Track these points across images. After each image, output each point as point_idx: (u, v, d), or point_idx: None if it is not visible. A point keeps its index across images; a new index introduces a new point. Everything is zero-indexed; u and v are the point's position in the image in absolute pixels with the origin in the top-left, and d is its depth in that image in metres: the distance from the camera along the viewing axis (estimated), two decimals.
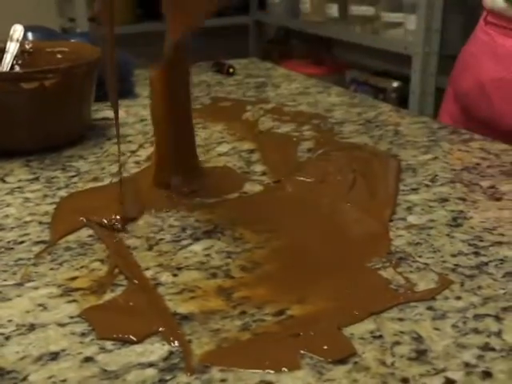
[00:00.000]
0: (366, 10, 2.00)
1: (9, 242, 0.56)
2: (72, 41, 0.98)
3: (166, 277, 0.50)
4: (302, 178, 0.68)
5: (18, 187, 0.68)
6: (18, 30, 0.88)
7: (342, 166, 0.71)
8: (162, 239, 0.56)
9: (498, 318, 0.44)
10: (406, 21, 1.82)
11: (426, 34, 1.74)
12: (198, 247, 0.55)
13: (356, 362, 0.40)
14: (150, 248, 0.55)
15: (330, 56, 2.62)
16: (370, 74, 2.26)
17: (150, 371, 0.39)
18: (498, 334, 0.43)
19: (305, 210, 0.61)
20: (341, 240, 0.56)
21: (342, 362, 0.40)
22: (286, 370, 0.39)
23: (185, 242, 0.56)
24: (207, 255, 0.53)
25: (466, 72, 0.89)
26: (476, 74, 0.80)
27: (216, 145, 0.81)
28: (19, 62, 0.86)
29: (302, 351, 0.41)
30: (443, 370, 0.39)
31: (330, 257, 0.53)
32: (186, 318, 0.45)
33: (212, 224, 0.59)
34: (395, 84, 2.09)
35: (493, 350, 0.41)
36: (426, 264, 0.51)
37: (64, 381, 0.39)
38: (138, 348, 0.42)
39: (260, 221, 0.59)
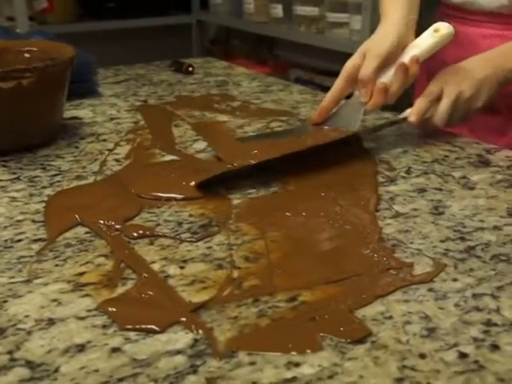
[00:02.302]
0: (311, 11, 2.04)
1: (6, 240, 0.56)
2: (34, 40, 0.97)
3: (173, 269, 0.51)
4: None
5: (1, 187, 0.67)
6: None
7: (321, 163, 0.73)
8: (160, 234, 0.57)
9: (494, 297, 0.48)
10: (351, 21, 1.88)
11: (371, 34, 1.79)
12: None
13: (374, 342, 0.42)
14: (151, 243, 0.55)
15: (272, 56, 2.66)
16: (314, 72, 2.30)
17: (180, 358, 0.40)
18: (497, 310, 0.46)
19: (293, 204, 0.63)
20: (333, 230, 0.58)
21: (360, 341, 0.42)
22: (309, 351, 0.41)
23: (184, 236, 0.57)
24: (209, 247, 0.55)
25: (431, 58, 0.95)
26: (441, 57, 0.88)
27: (191, 142, 0.82)
28: None
29: (321, 334, 0.43)
30: (455, 345, 0.42)
31: (326, 245, 0.56)
32: (201, 307, 0.46)
33: (207, 218, 0.60)
34: None
35: (495, 325, 0.44)
36: (418, 250, 0.55)
37: (96, 371, 0.39)
38: (162, 337, 0.42)
39: (254, 214, 0.61)
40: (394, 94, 0.78)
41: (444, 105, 0.78)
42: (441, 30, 0.81)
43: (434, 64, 0.96)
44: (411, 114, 0.80)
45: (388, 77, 0.79)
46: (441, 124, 0.80)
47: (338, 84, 0.80)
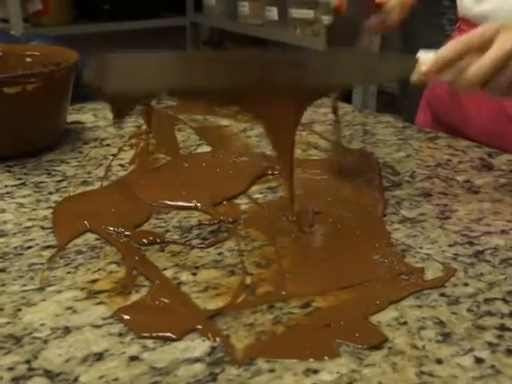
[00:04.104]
0: (306, 13, 2.05)
1: (15, 247, 0.55)
2: (34, 43, 0.97)
3: (186, 276, 0.51)
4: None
5: (7, 193, 0.67)
6: None
7: (327, 167, 0.74)
8: (170, 240, 0.57)
9: (505, 301, 0.48)
10: None
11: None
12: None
13: (390, 347, 0.43)
14: (162, 249, 0.55)
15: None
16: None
17: (199, 366, 0.41)
18: (510, 315, 0.46)
19: (299, 211, 0.64)
20: (342, 235, 0.59)
21: (376, 347, 0.43)
22: (327, 358, 0.41)
23: (194, 242, 0.57)
24: (220, 253, 0.55)
25: (431, 87, 0.94)
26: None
27: (196, 146, 0.82)
28: None
29: (337, 340, 0.43)
30: (470, 350, 0.42)
31: (336, 251, 0.56)
32: (217, 314, 0.46)
33: (216, 224, 0.60)
34: None
35: (509, 329, 0.45)
36: (428, 254, 0.55)
37: (116, 380, 0.39)
38: (179, 345, 0.43)
39: (262, 220, 0.61)
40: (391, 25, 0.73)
41: (490, 56, 0.56)
42: None
43: (437, 90, 0.95)
44: (424, 62, 0.58)
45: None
46: (471, 83, 0.57)
47: None
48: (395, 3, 0.73)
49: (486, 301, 0.48)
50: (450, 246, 0.57)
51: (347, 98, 2.06)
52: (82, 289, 0.49)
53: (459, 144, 0.84)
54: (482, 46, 0.57)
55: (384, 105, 2.05)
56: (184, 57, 0.57)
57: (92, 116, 0.96)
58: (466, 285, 0.50)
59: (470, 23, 0.87)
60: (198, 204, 0.63)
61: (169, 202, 0.63)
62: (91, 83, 0.54)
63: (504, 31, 0.57)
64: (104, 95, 0.55)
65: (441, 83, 0.88)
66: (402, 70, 0.60)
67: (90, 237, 0.58)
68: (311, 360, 0.41)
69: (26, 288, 0.49)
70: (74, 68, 0.78)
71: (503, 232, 0.59)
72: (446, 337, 0.44)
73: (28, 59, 0.86)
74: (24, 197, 0.66)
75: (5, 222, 0.60)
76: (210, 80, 0.53)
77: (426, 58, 0.58)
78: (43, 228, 0.59)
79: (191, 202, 0.63)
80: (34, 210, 0.63)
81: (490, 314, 0.46)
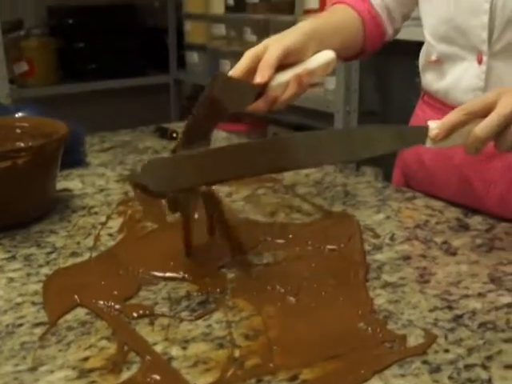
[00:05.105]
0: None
1: (7, 325, 0.57)
2: (21, 114, 0.99)
3: (175, 351, 0.52)
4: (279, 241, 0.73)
5: None
6: None
7: (312, 235, 0.76)
8: (159, 313, 0.58)
9: (484, 367, 0.50)
10: (326, 81, 1.95)
11: (345, 94, 1.87)
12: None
13: None
14: (151, 322, 0.57)
15: (248, 112, 2.72)
16: (290, 128, 2.36)
17: None
18: (489, 381, 0.48)
19: (285, 278, 0.66)
20: (327, 303, 0.60)
21: None
22: None
23: (183, 314, 0.58)
24: (209, 326, 0.56)
25: (407, 152, 0.99)
26: (415, 147, 0.87)
27: None
28: None
29: None
30: None
31: (321, 320, 0.58)
32: None
33: (204, 294, 0.62)
34: None
35: None
36: (409, 320, 0.57)
37: None
38: None
39: (249, 289, 0.63)
40: (283, 102, 0.76)
41: (494, 116, 0.62)
42: (328, 54, 0.79)
43: (407, 156, 1.00)
44: (436, 126, 0.65)
45: (279, 82, 0.75)
46: (478, 142, 0.63)
47: (239, 70, 0.75)
48: (288, 79, 0.75)
49: (466, 367, 0.50)
50: (430, 310, 0.59)
51: None
52: (74, 368, 0.50)
53: (436, 204, 0.87)
54: (486, 110, 0.63)
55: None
56: (208, 153, 0.66)
57: (80, 183, 0.98)
58: (446, 351, 0.52)
59: (432, 96, 0.92)
60: (186, 275, 0.65)
61: (157, 274, 0.65)
62: (139, 186, 0.67)
63: (505, 94, 0.63)
64: (152, 194, 0.65)
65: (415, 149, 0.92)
66: (417, 138, 0.67)
67: (81, 311, 0.59)
68: None
69: (18, 368, 0.50)
70: (64, 140, 0.81)
71: (480, 295, 0.61)
72: None
73: (18, 130, 0.89)
74: (14, 271, 0.67)
75: None
76: (233, 171, 0.64)
77: (435, 126, 0.65)
78: (34, 303, 0.60)
79: (179, 273, 0.65)
80: (25, 284, 0.64)
81: (470, 381, 0.48)
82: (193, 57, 2.65)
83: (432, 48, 0.90)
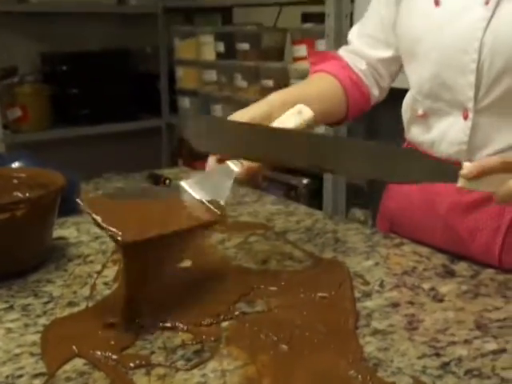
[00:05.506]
0: None
1: (7, 377, 0.58)
2: (17, 164, 1.02)
3: None
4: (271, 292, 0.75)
5: None
6: None
7: (304, 283, 0.78)
8: (156, 363, 0.60)
9: None
10: (314, 128, 1.99)
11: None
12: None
13: None
14: (148, 372, 0.58)
15: None
16: (279, 171, 2.39)
17: None
18: None
19: (277, 326, 0.67)
20: (318, 351, 0.62)
21: None
22: None
23: (179, 364, 0.60)
24: (204, 375, 0.58)
25: (389, 193, 1.01)
26: (400, 196, 0.90)
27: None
28: None
29: None
30: None
31: (313, 368, 0.59)
32: None
33: (199, 343, 0.63)
34: (305, 181, 2.24)
35: None
36: (398, 368, 0.59)
37: None
38: None
39: (242, 337, 0.64)
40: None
41: None
42: (303, 112, 0.82)
43: (390, 204, 1.03)
44: (471, 165, 0.67)
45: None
46: (501, 203, 0.68)
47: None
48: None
49: None
50: (418, 358, 0.61)
51: (318, 190, 2.14)
52: None
53: (423, 250, 0.89)
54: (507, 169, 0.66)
55: (354, 196, 2.13)
56: (257, 130, 0.71)
57: (75, 231, 1.00)
58: None
59: (417, 147, 0.95)
60: (180, 325, 0.66)
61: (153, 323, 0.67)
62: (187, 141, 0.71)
63: None
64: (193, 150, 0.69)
65: (401, 196, 0.94)
66: (449, 175, 0.69)
67: (79, 362, 0.60)
68: None
69: None
70: (61, 191, 0.83)
71: (466, 342, 0.64)
72: None
73: (15, 181, 0.91)
74: (12, 321, 0.69)
75: None
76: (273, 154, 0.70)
77: (469, 165, 0.67)
78: (32, 354, 0.62)
79: (174, 323, 0.67)
80: (23, 335, 0.66)
81: None
82: (185, 102, 2.70)
83: (418, 103, 0.93)
